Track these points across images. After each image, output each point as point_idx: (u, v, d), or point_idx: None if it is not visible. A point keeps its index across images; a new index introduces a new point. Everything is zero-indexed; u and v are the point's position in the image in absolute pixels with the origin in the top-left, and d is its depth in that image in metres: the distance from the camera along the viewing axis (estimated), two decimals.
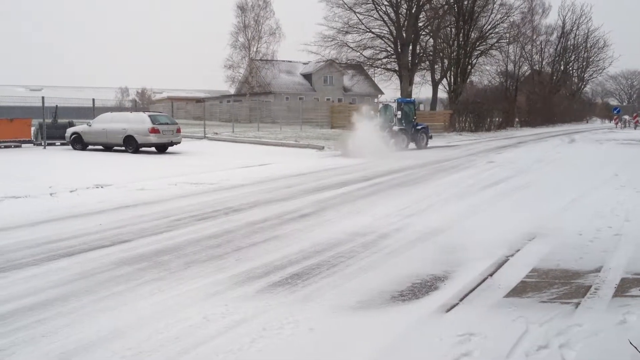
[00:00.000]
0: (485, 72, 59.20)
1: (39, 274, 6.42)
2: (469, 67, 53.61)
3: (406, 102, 29.49)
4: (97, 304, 5.49)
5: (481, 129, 49.20)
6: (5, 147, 25.06)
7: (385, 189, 13.68)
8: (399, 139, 26.93)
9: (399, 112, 27.74)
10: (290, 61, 65.99)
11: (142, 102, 65.72)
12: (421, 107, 35.26)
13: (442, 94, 55.51)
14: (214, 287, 6.03)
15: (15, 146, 25.52)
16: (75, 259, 7.08)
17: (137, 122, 23.37)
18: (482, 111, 49.31)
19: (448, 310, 5.47)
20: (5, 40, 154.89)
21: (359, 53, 48.38)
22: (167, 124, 24.10)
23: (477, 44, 52.73)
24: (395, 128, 27.44)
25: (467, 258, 7.34)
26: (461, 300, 5.76)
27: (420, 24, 48.51)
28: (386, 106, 28.85)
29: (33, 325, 4.91)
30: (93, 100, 30.17)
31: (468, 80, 55.90)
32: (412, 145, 28.60)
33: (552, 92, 74.51)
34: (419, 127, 29.36)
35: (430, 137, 30.55)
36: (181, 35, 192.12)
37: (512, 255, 7.51)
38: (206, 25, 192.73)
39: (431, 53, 50.70)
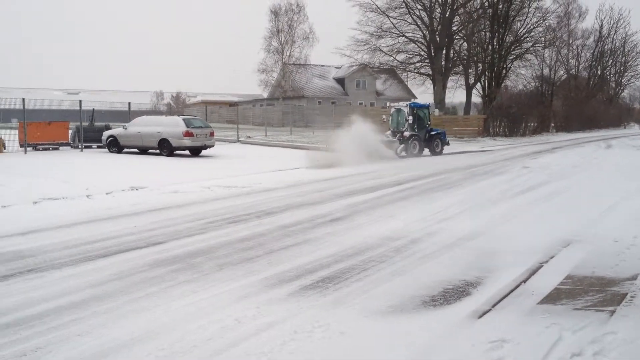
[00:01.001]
0: (520, 77, 58.49)
1: (75, 274, 6.55)
2: (504, 71, 53.03)
3: (420, 106, 28.30)
4: (131, 304, 5.58)
5: (516, 134, 48.63)
6: (44, 149, 25.62)
7: (417, 193, 13.62)
8: (410, 145, 26.24)
9: (411, 117, 26.73)
10: (323, 65, 66.17)
11: (177, 106, 66.58)
12: (435, 112, 34.16)
13: (476, 98, 55.04)
14: (246, 289, 6.08)
15: (54, 148, 26.07)
16: (111, 260, 7.21)
17: (172, 126, 23.67)
18: (517, 116, 48.70)
19: (480, 317, 5.43)
20: (44, 45, 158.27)
21: (392, 57, 48.32)
22: (200, 127, 24.36)
23: (512, 47, 52.13)
24: (407, 133, 26.54)
25: (500, 264, 7.27)
26: (494, 306, 5.71)
27: (454, 28, 48.24)
28: (399, 110, 27.76)
29: (69, 325, 5.02)
30: (129, 104, 30.64)
31: (502, 84, 55.24)
32: (427, 151, 27.90)
33: (589, 97, 73.26)
34: (434, 133, 28.23)
35: (447, 144, 29.28)
36: (215, 40, 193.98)
37: (546, 261, 7.41)
38: (240, 30, 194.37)
39: (465, 57, 50.35)
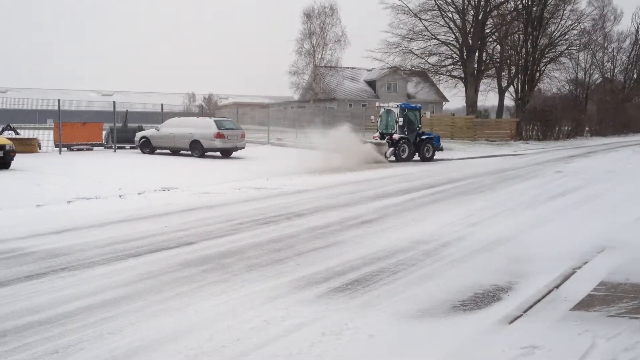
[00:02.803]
0: (554, 80, 57.71)
1: (107, 273, 6.64)
2: (537, 74, 52.37)
3: (411, 108, 26.52)
4: (161, 303, 5.62)
5: (549, 137, 47.92)
6: (78, 149, 26.03)
7: (448, 197, 13.51)
8: (399, 149, 25.02)
9: (401, 119, 25.25)
10: (354, 68, 66.07)
11: (209, 108, 67.11)
12: (427, 114, 32.47)
13: (509, 101, 54.46)
14: (275, 290, 6.09)
15: (88, 149, 26.46)
16: (142, 259, 7.29)
17: (203, 127, 23.83)
18: (550, 119, 47.99)
19: (511, 322, 5.35)
20: (79, 47, 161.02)
21: (423, 60, 48.08)
22: (232, 129, 24.48)
23: (546, 50, 51.45)
24: (396, 136, 25.16)
25: (532, 269, 7.17)
26: (525, 312, 5.63)
27: (487, 31, 47.77)
28: (388, 111, 26.17)
29: (100, 323, 5.08)
30: (161, 105, 30.97)
31: (536, 87, 54.59)
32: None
33: (625, 101, 71.83)
34: (424, 137, 26.38)
35: (440, 149, 27.13)
36: (248, 42, 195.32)
37: (579, 267, 7.29)
38: (272, 32, 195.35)
39: (498, 60, 49.85)
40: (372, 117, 28.05)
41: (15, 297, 5.70)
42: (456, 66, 48.46)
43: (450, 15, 46.67)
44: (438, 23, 47.07)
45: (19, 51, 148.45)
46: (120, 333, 4.85)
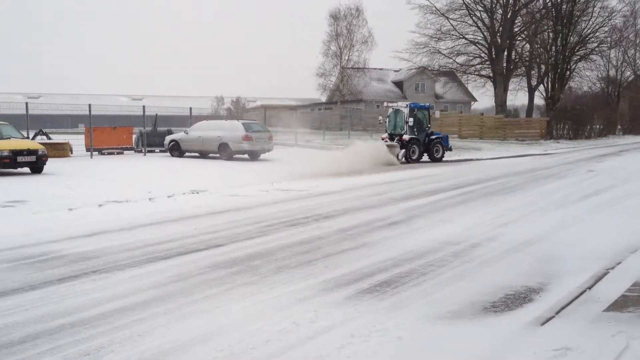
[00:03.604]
0: (585, 78, 56.97)
1: (137, 276, 6.71)
2: (568, 72, 51.70)
3: (420, 107, 25.87)
4: (191, 305, 5.66)
5: (580, 136, 47.24)
6: (109, 153, 26.38)
7: (477, 197, 13.39)
8: (409, 150, 24.48)
9: (411, 119, 24.61)
10: (381, 69, 65.94)
11: (236, 111, 67.53)
12: (437, 113, 31.37)
13: (539, 100, 53.86)
14: (304, 292, 6.09)
15: (118, 153, 26.80)
16: (172, 262, 7.35)
17: (231, 130, 23.97)
18: (582, 118, 47.30)
19: (543, 324, 5.27)
20: (109, 52, 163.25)
21: (451, 60, 47.84)
22: (259, 131, 24.58)
23: (577, 48, 50.78)
24: (406, 137, 24.58)
25: (563, 270, 7.06)
26: (557, 313, 5.54)
27: (515, 29, 47.34)
28: (397, 111, 25.53)
29: (131, 325, 5.13)
30: (190, 109, 31.24)
31: (566, 86, 53.88)
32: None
33: None
34: (434, 137, 25.87)
35: (449, 149, 26.75)
36: (275, 45, 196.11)
37: (612, 267, 7.16)
38: (299, 34, 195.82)
39: (527, 59, 49.36)
40: (380, 117, 27.41)
41: (47, 300, 5.79)
42: (485, 65, 48.10)
43: (478, 14, 46.37)
44: (466, 22, 46.82)
45: (50, 57, 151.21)
46: (151, 335, 4.89)
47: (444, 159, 25.92)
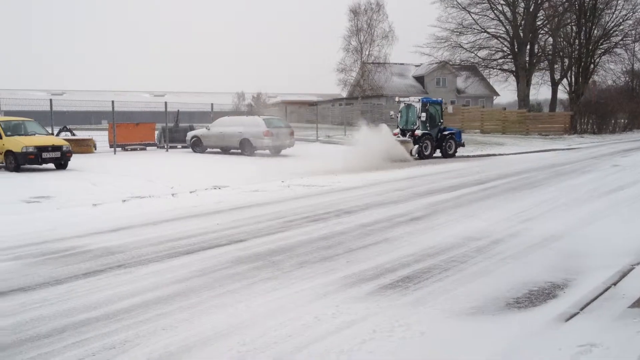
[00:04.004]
0: (609, 72, 55.96)
1: (161, 270, 6.76)
2: (591, 66, 51.02)
3: (432, 102, 25.18)
4: (214, 300, 5.70)
5: (604, 131, 46.62)
6: (132, 149, 26.63)
7: (499, 192, 13.29)
8: (422, 146, 23.77)
9: (424, 114, 23.95)
10: (402, 64, 65.63)
11: (257, 106, 67.65)
12: (449, 108, 30.14)
13: (562, 94, 53.24)
14: (325, 287, 6.10)
15: (141, 149, 27.05)
16: (195, 257, 7.40)
17: (252, 126, 24.05)
18: (606, 112, 46.65)
19: (567, 320, 5.23)
20: (132, 49, 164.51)
21: (473, 54, 47.58)
22: (280, 127, 24.63)
23: (600, 42, 50.09)
24: (419, 132, 23.89)
25: (588, 266, 6.99)
26: (582, 309, 5.49)
27: (538, 23, 46.87)
28: (408, 106, 24.80)
29: (155, 319, 5.18)
30: (212, 105, 31.38)
31: (590, 80, 53.19)
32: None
33: None
34: (446, 133, 25.12)
35: (462, 145, 26.15)
36: (295, 40, 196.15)
37: (637, 263, 7.06)
38: (319, 30, 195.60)
39: (550, 52, 48.84)
40: (392, 112, 26.74)
41: (73, 294, 5.86)
42: (507, 59, 47.71)
43: (500, 8, 45.99)
44: (488, 16, 46.47)
45: (72, 54, 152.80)
46: (175, 329, 4.94)
47: (456, 154, 25.40)
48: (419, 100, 24.67)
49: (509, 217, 10.07)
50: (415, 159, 23.13)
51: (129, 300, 5.67)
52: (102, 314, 5.30)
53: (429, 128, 24.35)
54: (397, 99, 27.13)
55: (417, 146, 23.53)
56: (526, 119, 43.61)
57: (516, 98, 49.47)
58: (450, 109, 32.92)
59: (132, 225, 9.51)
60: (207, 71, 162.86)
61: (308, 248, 7.88)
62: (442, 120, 25.33)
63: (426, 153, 23.92)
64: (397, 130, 24.67)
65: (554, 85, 50.55)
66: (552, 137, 40.23)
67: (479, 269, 6.85)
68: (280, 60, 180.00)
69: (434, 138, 24.60)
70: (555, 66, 50.23)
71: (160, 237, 8.61)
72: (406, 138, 23.73)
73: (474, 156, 25.79)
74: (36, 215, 10.52)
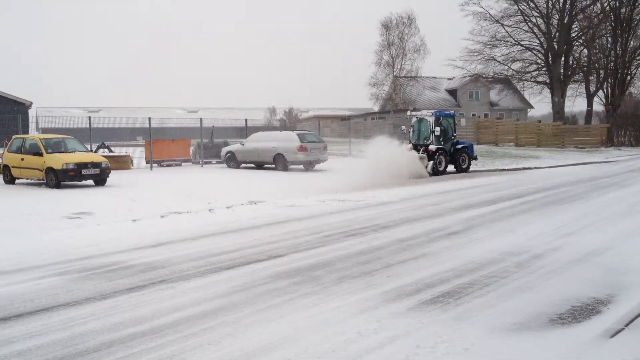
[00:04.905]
0: None
1: (202, 285, 6.85)
2: (628, 77, 50.20)
3: (445, 115, 24.56)
4: (256, 315, 5.75)
5: None
6: (168, 165, 27.02)
7: (537, 207, 13.14)
8: (436, 161, 22.92)
9: (438, 128, 23.27)
10: (434, 77, 65.54)
11: (289, 121, 68.05)
12: (462, 121, 28.70)
13: (598, 106, 52.49)
14: (366, 302, 6.11)
15: (176, 165, 27.44)
16: (235, 272, 7.48)
17: (286, 141, 24.23)
18: None
19: (612, 336, 5.16)
20: (165, 68, 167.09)
21: (506, 66, 47.32)
22: (314, 142, 24.75)
23: (637, 53, 49.27)
24: (433, 147, 23.12)
25: (631, 281, 6.88)
26: (627, 325, 5.41)
27: (573, 34, 46.42)
28: (420, 120, 24.17)
29: (200, 334, 5.25)
30: (245, 120, 31.70)
31: (627, 91, 52.34)
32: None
33: None
34: (460, 146, 24.45)
35: (475, 159, 25.35)
36: (326, 55, 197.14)
37: None
38: (350, 44, 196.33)
39: (585, 64, 48.25)
40: (403, 127, 25.77)
41: (118, 309, 5.98)
42: (541, 72, 47.34)
43: (534, 20, 45.75)
44: (521, 29, 46.24)
45: (107, 73, 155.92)
46: (219, 344, 5.00)
47: (470, 169, 24.68)
48: (432, 113, 24.03)
49: (549, 232, 9.97)
50: (430, 174, 22.35)
51: (173, 315, 5.75)
52: (148, 328, 5.39)
53: (442, 142, 23.68)
54: (408, 113, 26.57)
55: (431, 162, 22.75)
56: (562, 132, 43.12)
57: (551, 110, 48.98)
58: (463, 122, 32.20)
59: (171, 241, 9.64)
60: (238, 86, 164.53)
61: (347, 263, 7.90)
62: (455, 134, 24.69)
63: (440, 168, 23.17)
64: (410, 146, 23.88)
65: (590, 97, 49.89)
66: (588, 149, 39.69)
67: (520, 284, 6.79)
68: (312, 75, 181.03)
69: (448, 152, 23.91)
70: (591, 78, 49.59)
71: (200, 252, 8.71)
72: (420, 154, 22.91)
73: (508, 170, 25.55)
74: (78, 231, 10.75)
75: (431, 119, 23.61)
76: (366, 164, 21.35)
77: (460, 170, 24.15)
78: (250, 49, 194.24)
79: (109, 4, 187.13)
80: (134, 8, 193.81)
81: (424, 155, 22.80)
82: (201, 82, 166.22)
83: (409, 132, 24.54)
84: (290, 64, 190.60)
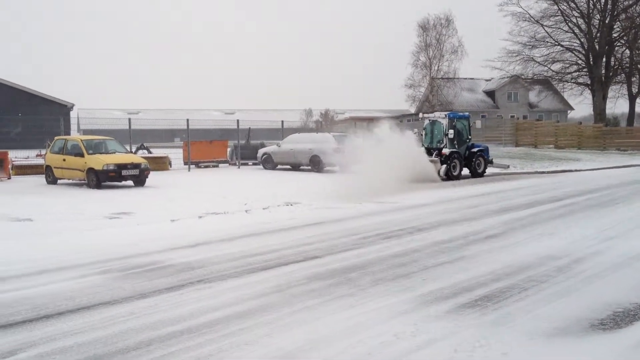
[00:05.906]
0: None
1: (240, 285, 6.91)
2: None
3: (459, 117, 23.16)
4: (292, 316, 5.78)
5: None
6: (205, 166, 27.31)
7: (579, 210, 12.92)
8: (450, 165, 21.60)
9: (451, 131, 22.01)
10: (472, 78, 64.92)
11: (325, 123, 68.12)
12: (477, 123, 26.91)
13: None
14: (402, 305, 6.08)
15: (214, 166, 27.72)
16: (272, 273, 7.52)
17: (323, 143, 24.23)
18: None
19: None
20: (201, 68, 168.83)
21: (546, 67, 46.67)
22: None
23: None
24: (446, 150, 21.80)
25: None
26: None
27: (614, 35, 45.50)
28: (433, 122, 22.89)
29: (238, 333, 5.29)
30: (282, 122, 31.86)
31: None
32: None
33: None
34: (475, 150, 23.10)
35: (491, 162, 24.07)
36: (363, 57, 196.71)
37: None
38: (386, 46, 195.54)
39: (627, 65, 47.21)
40: (416, 130, 24.74)
41: (158, 308, 6.06)
42: (582, 73, 46.52)
43: (574, 20, 44.97)
44: (561, 29, 45.52)
45: (146, 74, 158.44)
46: (257, 344, 5.03)
47: (485, 173, 23.46)
48: (446, 115, 22.75)
49: (590, 235, 9.78)
50: (443, 179, 21.05)
51: (211, 315, 5.81)
52: (186, 327, 5.45)
53: (457, 146, 22.45)
54: (420, 115, 25.32)
55: (444, 166, 21.44)
56: (603, 134, 42.26)
57: (592, 112, 48.09)
58: (478, 124, 30.93)
59: (209, 241, 9.74)
60: (274, 88, 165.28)
61: (383, 265, 7.88)
62: (470, 137, 23.51)
63: (454, 173, 21.84)
64: (422, 149, 22.45)
65: (632, 98, 48.85)
66: (630, 152, 38.82)
67: (560, 288, 6.68)
68: (347, 77, 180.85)
69: (462, 156, 22.64)
70: (633, 79, 48.54)
71: (237, 252, 8.79)
72: (433, 157, 21.63)
73: (548, 172, 25.15)
74: (118, 230, 10.95)
75: (444, 121, 22.49)
76: (365, 165, 20.18)
77: (476, 174, 22.97)
78: (285, 50, 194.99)
79: (148, 7, 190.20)
80: (170, 11, 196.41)
81: (436, 159, 21.57)
82: (237, 84, 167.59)
83: (421, 134, 23.47)
84: (327, 65, 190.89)
